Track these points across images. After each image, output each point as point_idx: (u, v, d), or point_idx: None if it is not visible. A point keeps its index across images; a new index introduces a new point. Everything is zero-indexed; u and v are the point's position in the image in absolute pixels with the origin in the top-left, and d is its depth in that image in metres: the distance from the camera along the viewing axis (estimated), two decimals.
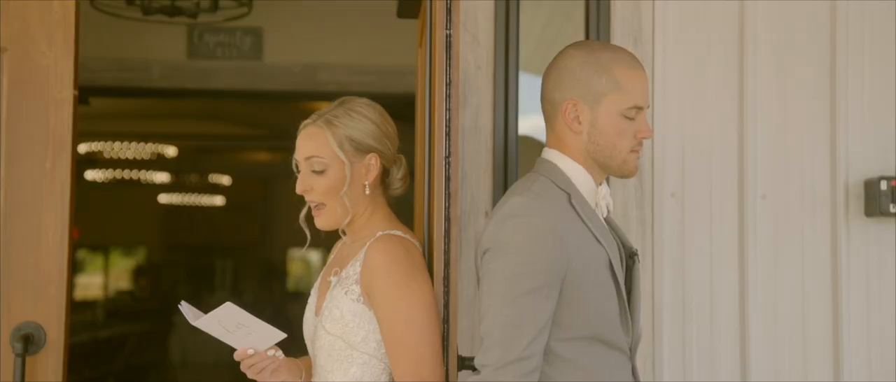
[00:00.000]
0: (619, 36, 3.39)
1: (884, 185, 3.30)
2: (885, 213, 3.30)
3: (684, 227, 3.39)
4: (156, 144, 10.82)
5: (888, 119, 3.42)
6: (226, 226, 13.28)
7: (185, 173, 12.40)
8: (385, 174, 2.77)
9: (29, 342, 3.20)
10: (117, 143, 10.68)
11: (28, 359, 3.20)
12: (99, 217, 12.99)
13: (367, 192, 2.72)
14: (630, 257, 2.65)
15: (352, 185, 2.70)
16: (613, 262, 2.49)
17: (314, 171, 2.70)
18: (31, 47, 3.30)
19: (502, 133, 3.38)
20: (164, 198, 13.15)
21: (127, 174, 11.85)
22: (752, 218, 3.38)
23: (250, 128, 10.48)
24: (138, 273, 14.02)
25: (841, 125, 3.40)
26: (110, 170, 11.72)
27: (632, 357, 2.59)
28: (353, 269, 2.67)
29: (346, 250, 2.80)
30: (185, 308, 2.63)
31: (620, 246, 2.63)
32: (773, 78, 3.42)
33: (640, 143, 2.57)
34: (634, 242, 3.34)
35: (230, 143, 11.64)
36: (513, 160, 3.38)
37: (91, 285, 14.65)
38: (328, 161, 2.69)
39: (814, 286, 3.38)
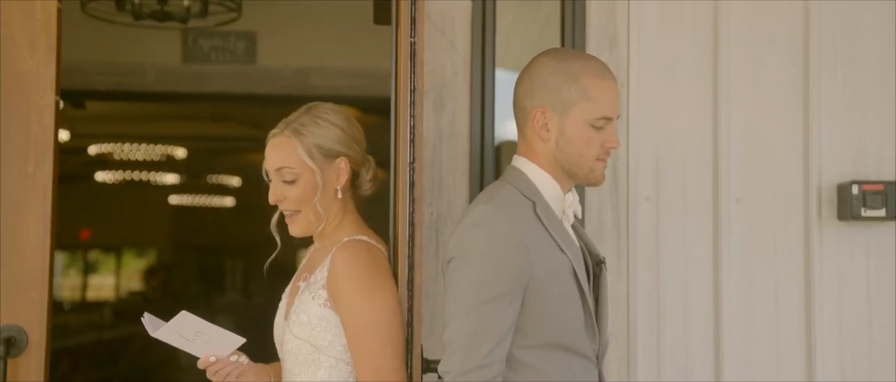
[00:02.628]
0: (594, 39, 3.41)
1: (856, 189, 3.31)
2: (858, 217, 3.32)
3: (659, 231, 3.41)
4: (165, 146, 10.87)
5: (861, 123, 3.43)
6: (236, 227, 13.33)
7: (195, 175, 12.45)
8: (354, 176, 2.80)
9: (11, 344, 3.22)
10: (127, 145, 10.73)
11: (10, 362, 3.22)
12: (111, 218, 13.07)
13: (340, 196, 2.75)
14: (597, 265, 2.66)
15: (324, 191, 2.73)
16: (577, 271, 2.50)
17: (285, 181, 2.74)
18: (13, 52, 3.32)
19: (479, 138, 3.40)
20: (174, 200, 13.21)
21: (137, 175, 11.91)
22: (726, 222, 3.40)
23: (258, 129, 10.53)
24: (149, 274, 14.10)
25: (814, 129, 3.42)
26: (120, 171, 11.78)
27: (598, 364, 2.60)
28: (321, 274, 2.70)
29: (316, 256, 2.84)
30: (147, 319, 2.66)
31: (586, 253, 2.65)
32: (747, 81, 3.44)
33: (608, 152, 2.59)
34: (609, 246, 3.37)
35: (239, 145, 11.69)
36: (490, 165, 3.41)
37: (104, 286, 14.73)
38: (299, 170, 2.72)
39: (787, 289, 3.40)
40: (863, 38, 3.45)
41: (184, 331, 2.62)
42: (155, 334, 2.64)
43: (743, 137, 3.42)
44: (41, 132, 3.33)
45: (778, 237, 3.41)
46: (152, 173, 11.93)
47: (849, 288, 3.39)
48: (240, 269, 13.73)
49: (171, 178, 12.16)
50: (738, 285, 3.39)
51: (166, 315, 2.70)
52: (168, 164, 11.58)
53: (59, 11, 3.37)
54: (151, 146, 10.77)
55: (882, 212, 3.32)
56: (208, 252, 13.58)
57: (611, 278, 3.35)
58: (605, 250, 3.35)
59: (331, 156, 2.73)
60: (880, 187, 3.32)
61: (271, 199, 2.77)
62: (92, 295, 14.54)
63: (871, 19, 3.45)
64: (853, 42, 3.45)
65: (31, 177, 3.32)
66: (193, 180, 12.56)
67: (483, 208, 2.48)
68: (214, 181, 12.71)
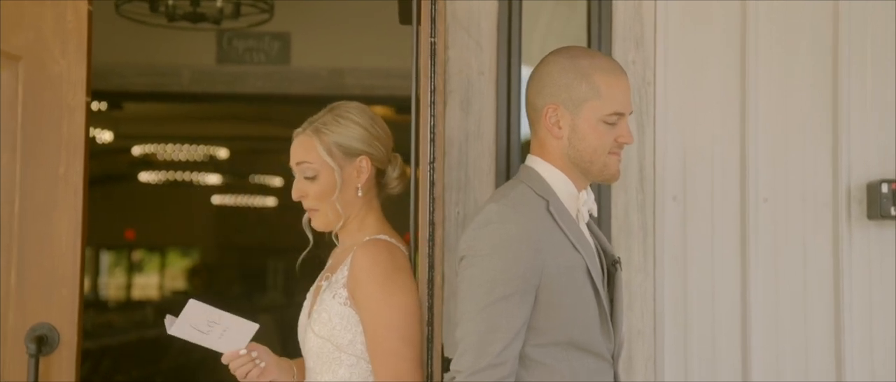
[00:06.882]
0: (620, 38, 3.40)
1: (885, 188, 3.28)
2: (887, 216, 3.28)
3: (686, 230, 3.39)
4: (208, 146, 10.95)
5: (890, 122, 3.39)
6: (278, 227, 13.41)
7: (237, 175, 12.54)
8: (380, 174, 2.82)
9: (42, 343, 3.25)
10: (170, 146, 10.83)
11: (42, 360, 3.26)
12: (154, 218, 13.20)
13: (360, 194, 2.77)
14: (612, 264, 2.66)
15: (344, 189, 2.75)
16: (592, 270, 2.50)
17: (306, 177, 2.77)
18: (45, 55, 3.36)
19: (505, 138, 3.41)
20: (217, 200, 13.31)
21: (180, 176, 12.02)
22: (753, 222, 3.38)
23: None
24: (192, 273, 14.22)
25: (842, 128, 3.39)
26: (163, 172, 11.88)
27: (614, 364, 2.60)
28: (342, 273, 2.72)
29: (339, 255, 2.86)
30: (169, 320, 2.69)
31: (601, 253, 2.65)
32: (775, 80, 3.42)
33: (621, 146, 2.59)
34: (636, 245, 3.36)
35: (281, 145, 11.72)
36: (516, 164, 3.40)
37: (148, 285, 14.88)
38: (318, 167, 2.75)
39: (815, 289, 3.37)
40: (892, 37, 3.41)
41: (195, 323, 2.64)
42: (170, 331, 2.67)
43: (771, 136, 3.40)
44: (72, 132, 3.37)
45: (806, 236, 3.38)
46: (195, 173, 12.03)
47: (879, 287, 3.36)
48: (281, 269, 13.81)
49: (213, 179, 12.26)
50: (765, 285, 3.37)
51: None
52: (210, 165, 11.68)
53: (90, 13, 3.41)
54: (194, 146, 10.86)
55: None
56: (250, 252, 13.68)
57: (638, 277, 3.34)
58: (631, 249, 3.34)
59: (351, 154, 2.75)
60: None
61: (294, 195, 2.81)
62: (137, 294, 14.69)
63: None
64: (882, 40, 3.41)
65: (63, 178, 3.36)
66: (236, 180, 12.65)
67: (495, 206, 2.49)
68: (256, 181, 12.80)
